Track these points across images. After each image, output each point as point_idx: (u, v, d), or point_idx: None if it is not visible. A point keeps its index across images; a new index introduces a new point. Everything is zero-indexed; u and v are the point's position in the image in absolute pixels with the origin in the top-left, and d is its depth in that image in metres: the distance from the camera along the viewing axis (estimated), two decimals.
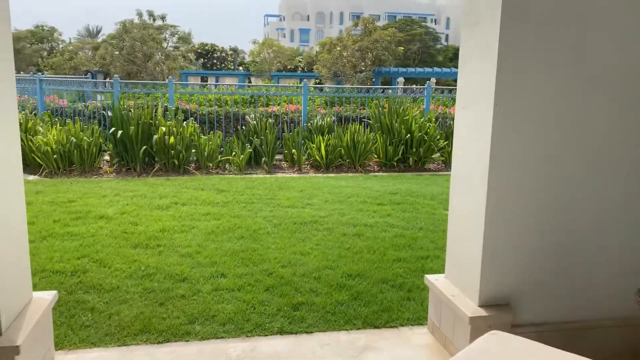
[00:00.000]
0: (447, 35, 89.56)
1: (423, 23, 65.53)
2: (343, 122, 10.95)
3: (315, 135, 9.76)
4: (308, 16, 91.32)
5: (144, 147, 8.81)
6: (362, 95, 11.33)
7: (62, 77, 16.90)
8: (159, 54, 30.31)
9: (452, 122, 11.01)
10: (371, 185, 8.04)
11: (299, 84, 14.74)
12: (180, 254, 4.87)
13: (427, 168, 9.93)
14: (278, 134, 10.26)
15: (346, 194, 7.26)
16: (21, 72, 39.28)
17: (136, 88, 10.71)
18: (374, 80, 21.84)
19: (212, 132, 10.45)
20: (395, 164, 9.59)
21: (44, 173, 8.68)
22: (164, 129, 8.84)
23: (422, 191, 7.62)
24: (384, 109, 10.08)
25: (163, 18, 29.88)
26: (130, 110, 9.07)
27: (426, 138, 9.54)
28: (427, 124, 9.67)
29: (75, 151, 8.72)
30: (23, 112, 9.67)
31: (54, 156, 8.66)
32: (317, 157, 9.44)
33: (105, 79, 31.12)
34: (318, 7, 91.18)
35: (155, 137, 8.78)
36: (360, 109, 11.36)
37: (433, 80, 42.66)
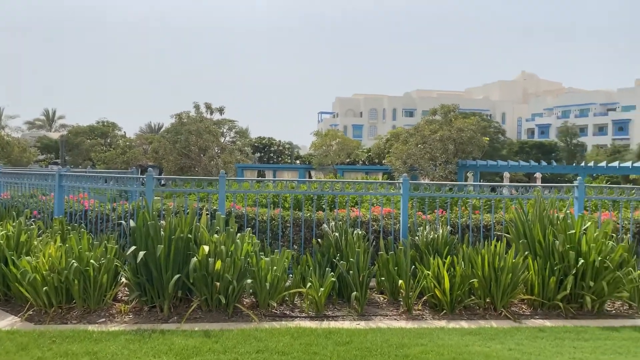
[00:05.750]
0: (504, 130, 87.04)
1: (484, 116, 63.53)
2: (459, 233, 7.68)
3: (428, 257, 6.51)
4: (361, 113, 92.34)
5: (177, 275, 5.81)
6: (506, 197, 7.99)
7: (83, 171, 14.73)
8: (215, 147, 28.68)
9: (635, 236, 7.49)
10: (551, 356, 4.58)
11: (372, 179, 11.79)
12: None
13: (606, 311, 6.37)
14: (369, 249, 7.05)
15: None
16: (79, 166, 38.88)
17: (176, 185, 7.97)
18: (457, 173, 18.72)
19: (276, 247, 7.44)
20: (559, 304, 6.11)
21: (27, 313, 5.77)
22: (207, 248, 5.85)
23: None
24: (527, 215, 6.77)
25: (221, 111, 28.52)
26: (163, 219, 6.25)
27: (609, 265, 6.07)
28: (607, 242, 6.23)
29: (76, 281, 5.81)
30: (20, 219, 6.98)
31: (44, 288, 5.77)
32: (438, 293, 6.11)
33: (160, 174, 29.57)
34: (371, 105, 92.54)
35: (194, 260, 5.79)
36: (475, 213, 8.12)
37: (506, 175, 39.13)
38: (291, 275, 6.63)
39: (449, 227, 7.46)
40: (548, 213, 6.66)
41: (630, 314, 6.35)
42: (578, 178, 7.91)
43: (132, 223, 6.23)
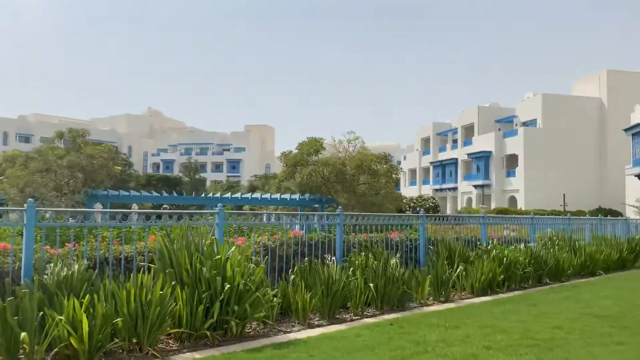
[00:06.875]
0: (131, 163, 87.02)
1: (112, 147, 62.04)
2: (98, 268, 6.70)
3: (62, 299, 5.37)
4: None
5: None
6: (152, 225, 7.30)
7: None
8: None
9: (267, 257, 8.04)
10: None
11: None
12: None
13: (246, 333, 6.59)
14: None
15: None
16: None
17: None
18: (85, 204, 17.09)
19: None
20: (207, 333, 5.97)
21: None
22: None
23: None
24: (173, 243, 6.48)
25: None
26: None
27: (251, 287, 6.33)
28: (249, 265, 6.50)
29: None
30: None
31: None
32: (74, 342, 5.06)
33: None
34: None
35: None
36: (114, 244, 7.35)
37: (134, 206, 38.66)
38: None
39: (85, 261, 6.45)
40: (194, 240, 6.55)
41: (266, 332, 6.76)
42: (218, 205, 8.16)
43: None
